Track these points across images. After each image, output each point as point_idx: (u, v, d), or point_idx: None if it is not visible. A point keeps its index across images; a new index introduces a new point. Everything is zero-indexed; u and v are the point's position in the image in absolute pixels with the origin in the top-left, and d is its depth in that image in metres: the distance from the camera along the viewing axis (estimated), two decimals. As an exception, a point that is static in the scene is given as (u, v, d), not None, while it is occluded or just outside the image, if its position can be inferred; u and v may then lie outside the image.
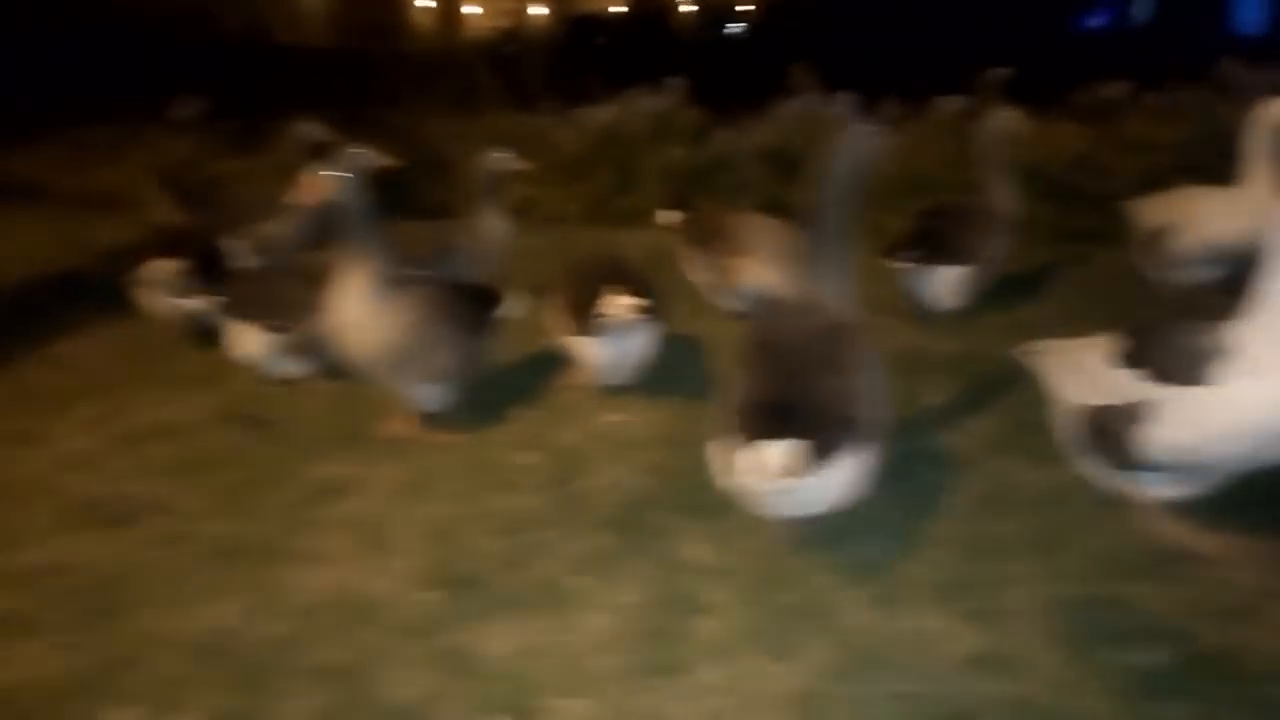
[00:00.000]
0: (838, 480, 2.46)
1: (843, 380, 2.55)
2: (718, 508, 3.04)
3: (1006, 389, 3.67)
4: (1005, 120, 4.65)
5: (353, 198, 3.14)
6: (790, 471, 2.29)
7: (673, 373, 4.08)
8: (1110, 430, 2.61)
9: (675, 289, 4.92)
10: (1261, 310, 2.43)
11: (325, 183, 3.08)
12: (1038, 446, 3.29)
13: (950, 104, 6.34)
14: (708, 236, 4.64)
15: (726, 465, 2.48)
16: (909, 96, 6.70)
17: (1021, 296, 4.95)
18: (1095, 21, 31.21)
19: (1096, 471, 2.80)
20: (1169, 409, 2.47)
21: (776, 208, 6.42)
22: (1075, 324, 4.47)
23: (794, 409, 2.39)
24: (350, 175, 3.15)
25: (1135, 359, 2.62)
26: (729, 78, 10.06)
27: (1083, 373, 2.78)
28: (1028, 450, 3.31)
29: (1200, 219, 4.47)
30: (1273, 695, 2.19)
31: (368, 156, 3.72)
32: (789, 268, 4.40)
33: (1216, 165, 5.58)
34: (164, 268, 4.08)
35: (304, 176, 3.13)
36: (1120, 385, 2.61)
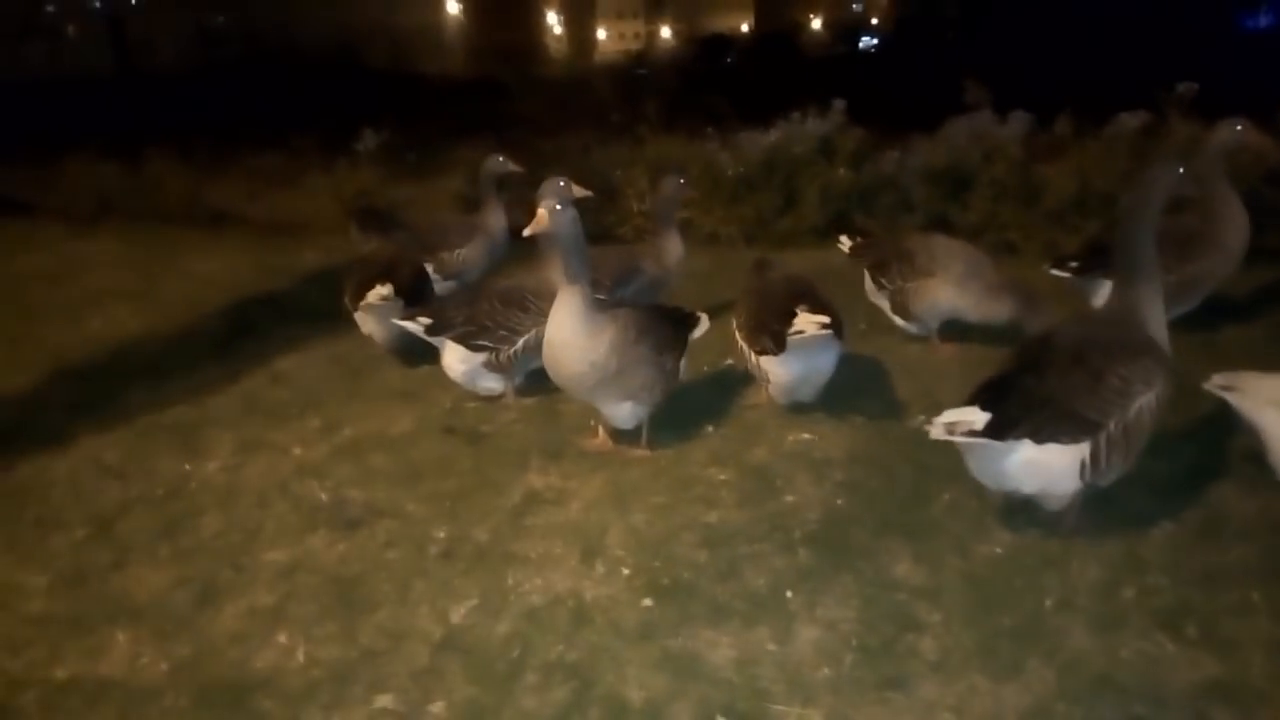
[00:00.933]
0: (1035, 461, 2.77)
1: (1099, 382, 2.80)
2: (922, 528, 3.08)
3: (1210, 415, 3.54)
4: (1235, 133, 4.36)
5: (570, 227, 3.34)
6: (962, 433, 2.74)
7: (856, 393, 4.12)
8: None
9: (850, 310, 4.99)
10: None
11: (552, 214, 3.29)
12: (1248, 474, 3.19)
13: (1131, 120, 6.11)
14: (891, 259, 4.64)
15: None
16: (1084, 113, 6.50)
17: (1224, 318, 4.73)
18: (1262, 22, 29.18)
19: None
20: None
21: (944, 227, 6.41)
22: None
23: (1018, 388, 2.83)
24: (570, 206, 3.35)
25: None
26: (890, 95, 10.00)
27: None
28: (1238, 477, 3.20)
29: None
30: None
31: (570, 188, 3.95)
32: (975, 287, 4.41)
33: None
34: (382, 292, 4.40)
35: (537, 207, 3.34)
36: None
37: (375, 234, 5.30)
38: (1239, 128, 4.36)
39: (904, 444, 3.68)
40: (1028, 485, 2.85)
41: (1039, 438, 2.74)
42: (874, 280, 4.73)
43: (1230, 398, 3.03)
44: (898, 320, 4.71)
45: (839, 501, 3.31)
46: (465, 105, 15.05)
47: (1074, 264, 4.51)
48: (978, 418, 2.72)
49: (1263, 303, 5.03)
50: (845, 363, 4.02)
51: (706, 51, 29.72)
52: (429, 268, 5.26)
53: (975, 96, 7.11)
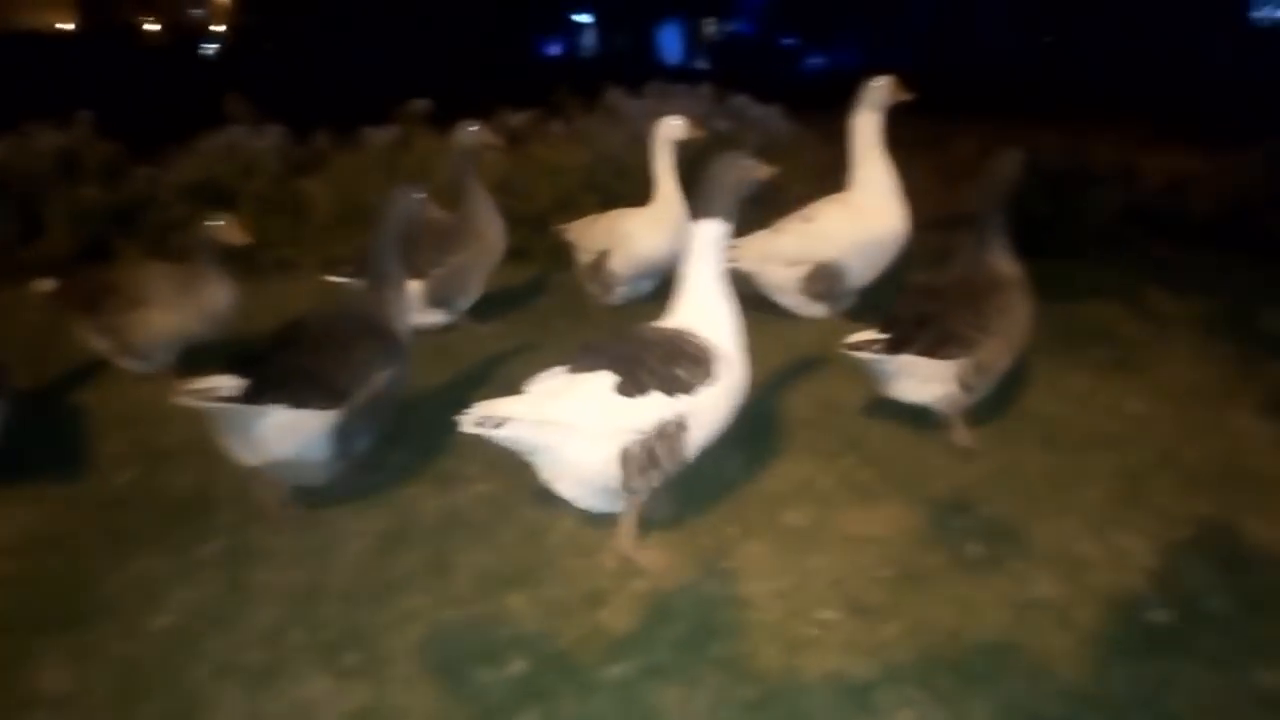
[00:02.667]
0: (289, 425, 2.93)
1: (348, 357, 3.10)
2: (89, 614, 2.69)
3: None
4: (471, 134, 4.67)
5: None
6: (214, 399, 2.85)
7: (56, 460, 3.54)
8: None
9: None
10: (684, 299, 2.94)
11: None
12: (442, 473, 3.40)
13: (381, 134, 6.38)
14: (94, 297, 4.09)
15: None
16: (341, 127, 6.61)
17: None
18: (553, 49, 34.47)
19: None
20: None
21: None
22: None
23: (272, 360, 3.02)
24: None
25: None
26: (154, 107, 9.23)
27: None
28: (432, 481, 3.40)
29: (628, 240, 4.92)
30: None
31: None
32: (191, 310, 4.09)
33: (615, 185, 6.38)
34: None
35: None
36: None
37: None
38: (473, 129, 4.72)
39: (98, 510, 3.23)
40: (281, 450, 2.96)
41: (294, 402, 2.90)
42: (80, 325, 4.14)
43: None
44: (124, 363, 4.19)
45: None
46: None
47: (348, 269, 4.58)
48: (232, 384, 2.83)
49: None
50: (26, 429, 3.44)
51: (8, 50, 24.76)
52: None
53: (236, 110, 6.81)
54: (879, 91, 4.51)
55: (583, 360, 2.81)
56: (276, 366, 2.96)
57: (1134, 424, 3.73)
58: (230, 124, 6.61)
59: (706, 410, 2.82)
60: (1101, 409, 3.86)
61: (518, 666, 2.46)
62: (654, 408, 2.72)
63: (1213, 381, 4.10)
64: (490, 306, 5.09)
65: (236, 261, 6.04)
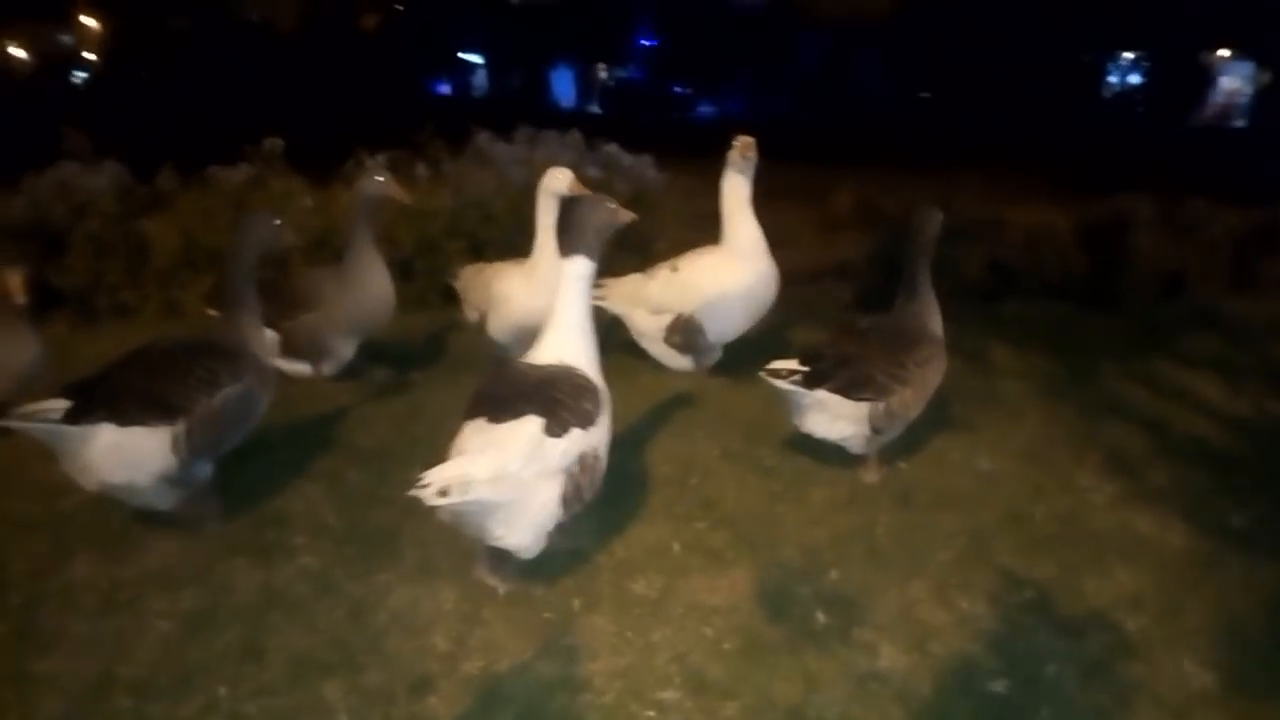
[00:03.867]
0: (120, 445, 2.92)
1: (187, 374, 3.10)
2: None
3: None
4: (376, 185, 4.40)
5: None
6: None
7: None
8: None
9: None
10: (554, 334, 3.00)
11: None
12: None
13: (233, 174, 6.05)
14: None
15: None
16: (186, 165, 6.26)
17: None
18: (442, 89, 34.26)
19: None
20: None
21: (42, 291, 5.56)
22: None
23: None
24: None
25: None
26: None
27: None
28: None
29: (504, 303, 4.57)
30: None
31: None
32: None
33: (482, 230, 6.23)
34: None
35: None
36: None
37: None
38: (379, 179, 4.43)
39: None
40: (114, 473, 2.94)
41: (120, 420, 2.91)
42: None
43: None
44: None
45: None
46: None
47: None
48: (60, 405, 2.87)
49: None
50: None
51: None
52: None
53: (73, 145, 6.39)
54: (739, 155, 4.46)
55: (496, 409, 2.76)
56: (106, 386, 2.96)
57: (983, 482, 3.76)
58: (65, 160, 6.17)
59: (605, 438, 2.96)
60: (953, 467, 3.88)
61: (323, 768, 2.24)
62: (577, 442, 2.80)
63: (1057, 440, 4.18)
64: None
65: (69, 307, 5.71)
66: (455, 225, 6.13)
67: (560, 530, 2.91)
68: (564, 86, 34.84)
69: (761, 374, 3.50)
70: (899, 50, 24.45)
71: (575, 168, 6.43)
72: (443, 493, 2.50)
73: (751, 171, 4.50)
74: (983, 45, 22.54)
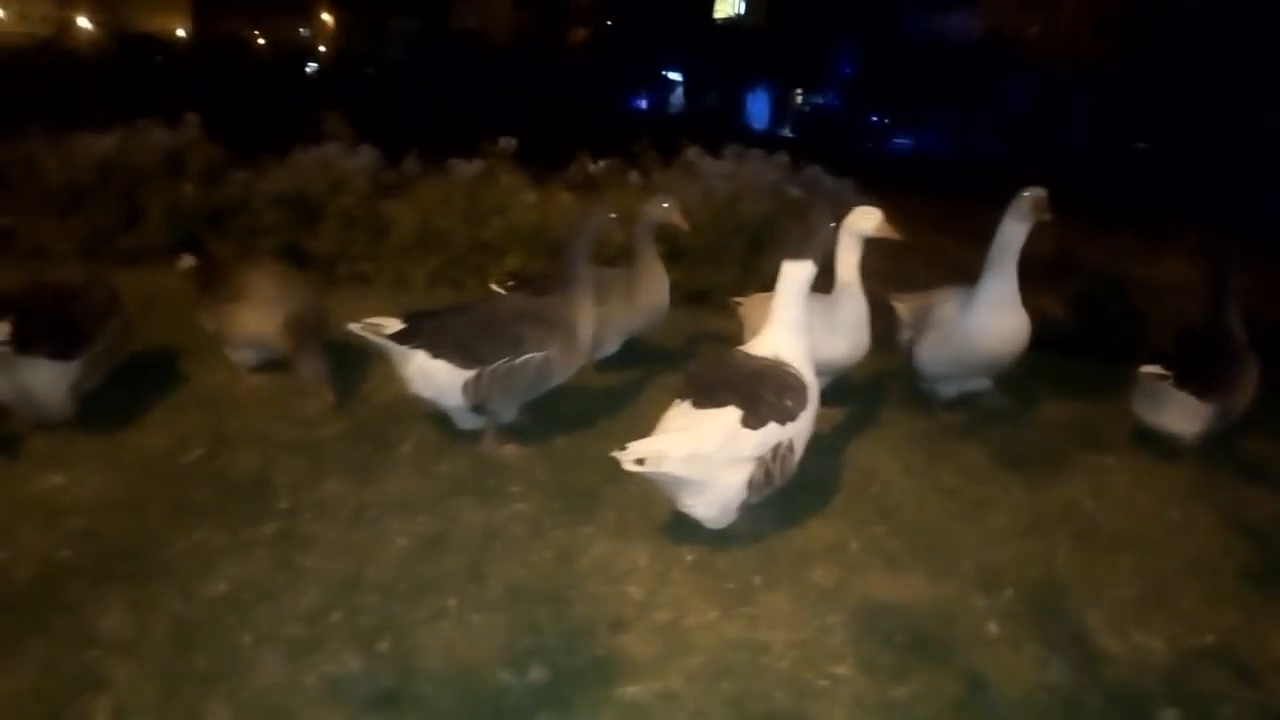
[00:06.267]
0: (426, 370, 3.68)
1: (499, 333, 3.70)
2: (150, 573, 2.89)
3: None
4: (661, 210, 4.66)
5: None
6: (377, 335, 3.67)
7: (140, 427, 3.80)
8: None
9: (184, 336, 4.64)
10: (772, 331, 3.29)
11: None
12: (488, 486, 3.55)
13: (467, 167, 6.67)
14: (214, 282, 4.36)
15: None
16: (428, 155, 6.94)
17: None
18: (642, 103, 35.37)
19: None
20: None
21: (297, 255, 6.34)
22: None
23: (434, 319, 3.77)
24: None
25: None
26: (254, 116, 9.74)
27: None
28: (477, 492, 3.55)
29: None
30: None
31: None
32: (283, 309, 4.29)
33: (685, 239, 6.55)
34: None
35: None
36: None
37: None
38: (665, 205, 4.67)
39: (166, 481, 3.46)
40: (423, 389, 3.68)
41: (433, 352, 3.60)
42: (202, 305, 4.40)
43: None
44: (224, 348, 4.44)
45: (64, 553, 2.95)
46: None
47: (512, 284, 4.91)
48: (392, 325, 3.63)
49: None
50: (112, 395, 3.79)
51: (137, 49, 26.31)
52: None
53: (333, 128, 7.20)
54: (1030, 207, 4.15)
55: (702, 395, 3.10)
56: (437, 322, 3.71)
57: (1171, 530, 3.74)
58: (327, 141, 6.97)
59: (804, 431, 3.22)
60: (1141, 511, 3.87)
61: (538, 674, 2.58)
62: (772, 435, 3.07)
63: (1257, 496, 4.08)
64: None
65: (315, 271, 6.46)
66: (660, 231, 6.50)
67: (747, 511, 3.19)
68: (759, 109, 35.22)
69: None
70: (1116, 96, 23.32)
71: (778, 187, 6.75)
72: (640, 461, 2.89)
73: (1032, 226, 4.18)
74: (1209, 98, 21.18)
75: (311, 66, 32.95)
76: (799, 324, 3.26)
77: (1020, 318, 4.28)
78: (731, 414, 3.04)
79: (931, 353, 4.47)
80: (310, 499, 3.45)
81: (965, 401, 4.67)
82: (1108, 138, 23.32)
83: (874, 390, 4.97)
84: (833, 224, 3.39)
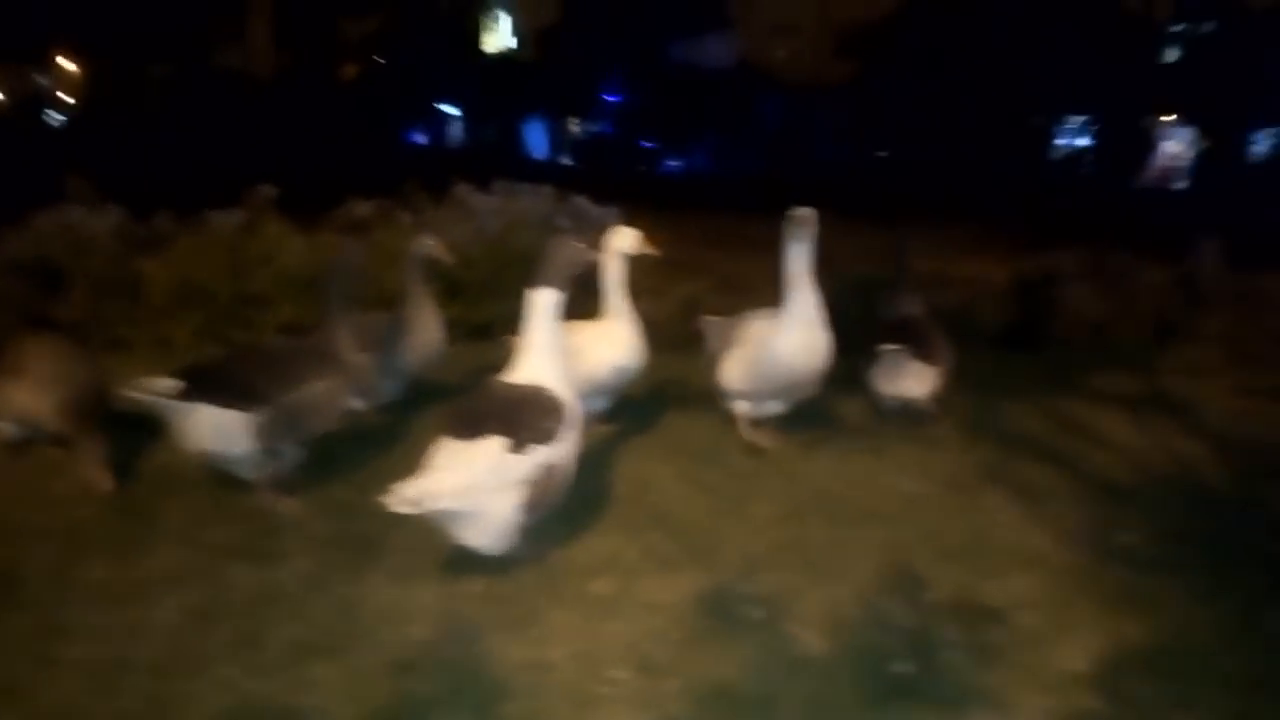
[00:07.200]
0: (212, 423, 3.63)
1: (273, 369, 3.80)
2: None
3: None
4: (425, 246, 4.96)
5: None
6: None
7: None
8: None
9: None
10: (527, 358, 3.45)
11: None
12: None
13: (228, 218, 6.47)
14: None
15: None
16: (183, 209, 6.67)
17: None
18: (418, 138, 35.00)
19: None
20: None
21: (41, 323, 5.89)
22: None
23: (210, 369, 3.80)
24: None
25: None
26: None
27: None
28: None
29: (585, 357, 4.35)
30: None
31: None
32: (61, 388, 4.01)
33: (460, 275, 6.65)
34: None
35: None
36: None
37: None
38: (429, 242, 4.95)
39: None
40: (210, 443, 3.63)
41: (215, 400, 3.55)
42: None
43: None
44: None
45: None
46: None
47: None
48: (167, 383, 3.54)
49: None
50: None
51: None
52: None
53: (77, 190, 6.78)
54: (798, 227, 4.41)
55: (464, 427, 3.21)
56: (209, 373, 3.73)
57: (906, 503, 4.21)
58: (70, 203, 6.56)
59: (570, 450, 3.39)
60: (881, 489, 4.33)
61: (319, 730, 2.59)
62: (537, 457, 3.23)
63: (971, 468, 4.63)
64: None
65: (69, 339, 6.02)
66: (430, 269, 6.55)
67: (526, 535, 3.33)
68: (538, 139, 35.70)
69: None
70: (858, 112, 25.50)
71: (547, 218, 6.98)
72: (411, 503, 2.98)
73: (810, 241, 4.41)
74: (937, 109, 23.60)
75: (57, 119, 30.33)
76: (552, 348, 3.45)
77: (823, 335, 4.40)
78: (494, 443, 3.17)
79: (739, 372, 4.59)
80: (67, 585, 3.27)
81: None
82: (851, 148, 25.46)
83: (651, 403, 5.25)
84: (586, 250, 3.58)
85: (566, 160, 32.75)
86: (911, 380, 4.82)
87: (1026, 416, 5.45)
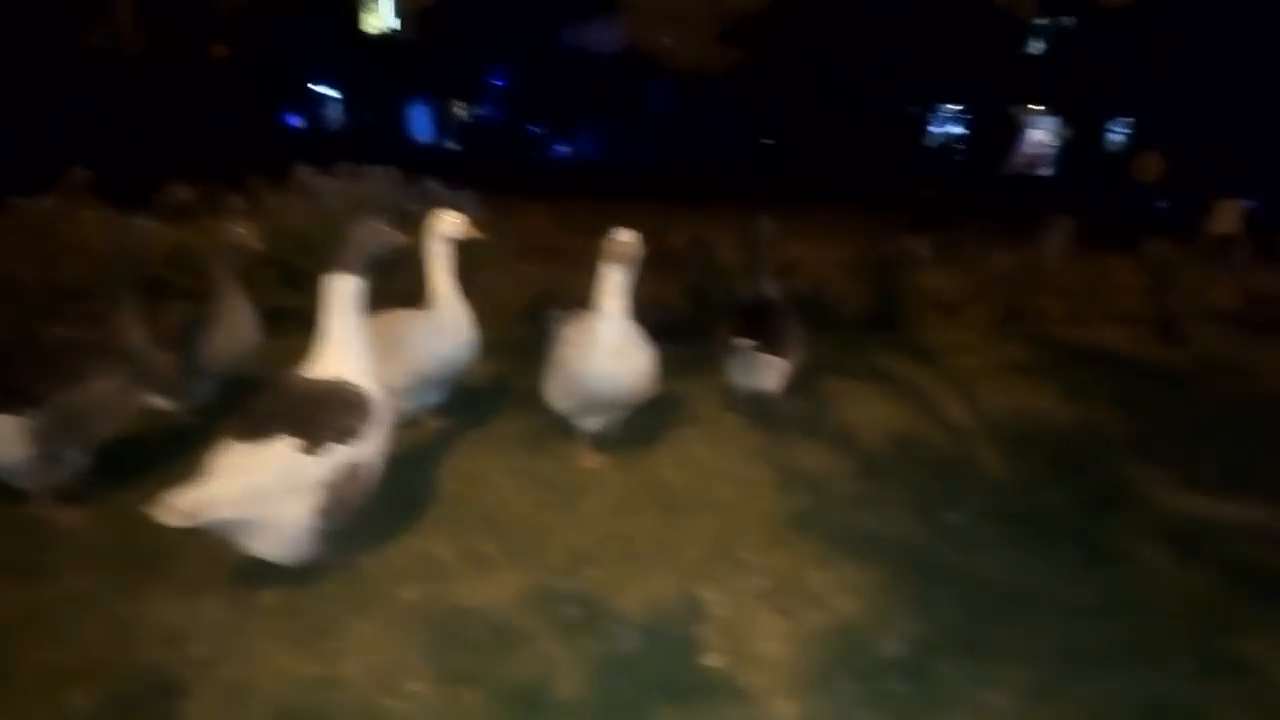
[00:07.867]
0: None
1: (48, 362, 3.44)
2: None
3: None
4: (233, 234, 4.44)
5: None
6: None
7: None
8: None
9: None
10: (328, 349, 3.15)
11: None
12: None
13: (38, 203, 5.95)
14: None
15: None
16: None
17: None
18: (293, 120, 33.61)
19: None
20: None
21: None
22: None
23: None
24: None
25: None
26: None
27: None
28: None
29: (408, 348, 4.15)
30: None
31: None
32: None
33: (299, 261, 6.31)
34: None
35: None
36: None
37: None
38: (239, 230, 4.48)
39: None
40: None
41: None
42: None
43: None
44: None
45: None
46: None
47: None
48: None
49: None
50: None
51: None
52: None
53: None
54: (617, 256, 3.89)
55: (255, 428, 2.90)
56: None
57: (739, 487, 4.14)
58: None
59: (377, 448, 3.12)
60: (714, 474, 4.25)
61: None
62: (336, 457, 2.96)
63: (811, 449, 4.63)
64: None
65: None
66: (270, 254, 6.19)
67: (332, 542, 3.09)
68: (421, 122, 34.77)
69: None
70: (743, 100, 25.71)
71: (393, 202, 6.68)
72: (184, 515, 2.67)
73: (628, 267, 3.92)
74: (817, 99, 24.00)
75: None
76: (353, 339, 3.16)
77: (637, 358, 4.02)
78: (284, 443, 2.91)
79: (554, 390, 4.20)
80: None
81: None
82: (738, 136, 25.68)
83: (487, 395, 5.05)
84: (387, 233, 3.28)
85: (451, 144, 31.97)
86: (763, 374, 4.77)
87: (872, 399, 5.48)
